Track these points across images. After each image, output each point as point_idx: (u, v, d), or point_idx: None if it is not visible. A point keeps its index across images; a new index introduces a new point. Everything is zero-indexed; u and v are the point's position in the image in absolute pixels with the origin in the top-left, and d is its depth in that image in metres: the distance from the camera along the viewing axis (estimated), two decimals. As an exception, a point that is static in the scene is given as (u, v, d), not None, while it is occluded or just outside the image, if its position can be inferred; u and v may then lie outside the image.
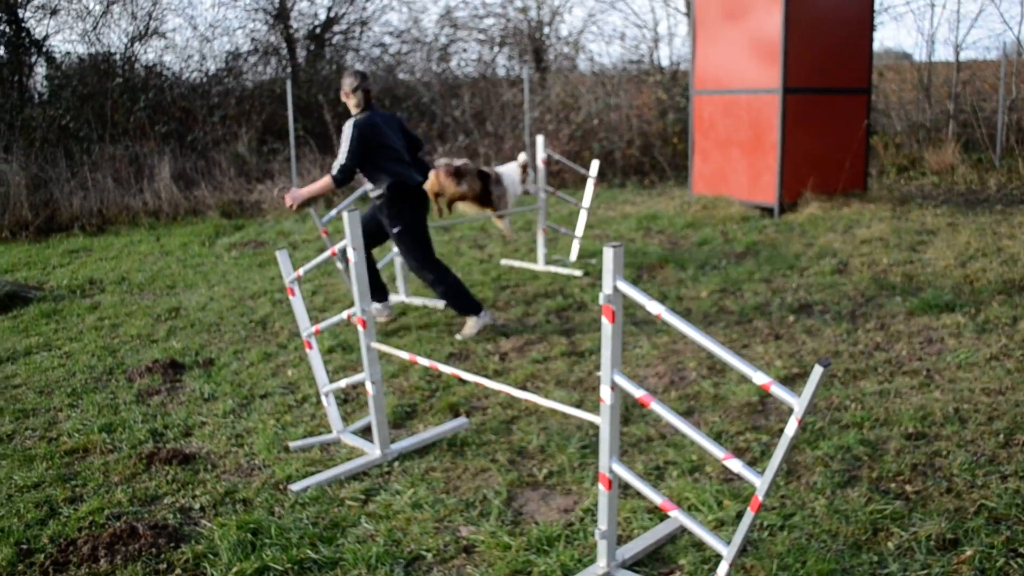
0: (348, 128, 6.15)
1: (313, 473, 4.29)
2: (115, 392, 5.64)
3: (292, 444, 4.61)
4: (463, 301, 6.41)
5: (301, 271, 4.72)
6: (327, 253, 4.51)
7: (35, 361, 6.41)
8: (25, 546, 3.74)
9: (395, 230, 6.34)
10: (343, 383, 4.65)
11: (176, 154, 14.65)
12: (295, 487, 4.12)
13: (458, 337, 6.38)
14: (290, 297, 4.95)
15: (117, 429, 4.99)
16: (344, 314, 4.48)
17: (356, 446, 4.58)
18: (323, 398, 4.82)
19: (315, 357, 4.93)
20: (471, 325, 6.41)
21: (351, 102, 6.29)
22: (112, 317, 7.51)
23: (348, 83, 6.28)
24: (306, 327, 4.90)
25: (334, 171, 6.13)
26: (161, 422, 5.05)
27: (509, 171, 8.25)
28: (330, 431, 4.80)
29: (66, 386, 5.81)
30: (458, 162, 7.88)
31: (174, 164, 14.22)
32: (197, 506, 4.03)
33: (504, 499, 3.93)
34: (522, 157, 8.35)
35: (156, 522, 3.85)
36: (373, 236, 6.65)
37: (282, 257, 4.92)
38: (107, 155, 14.49)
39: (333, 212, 7.24)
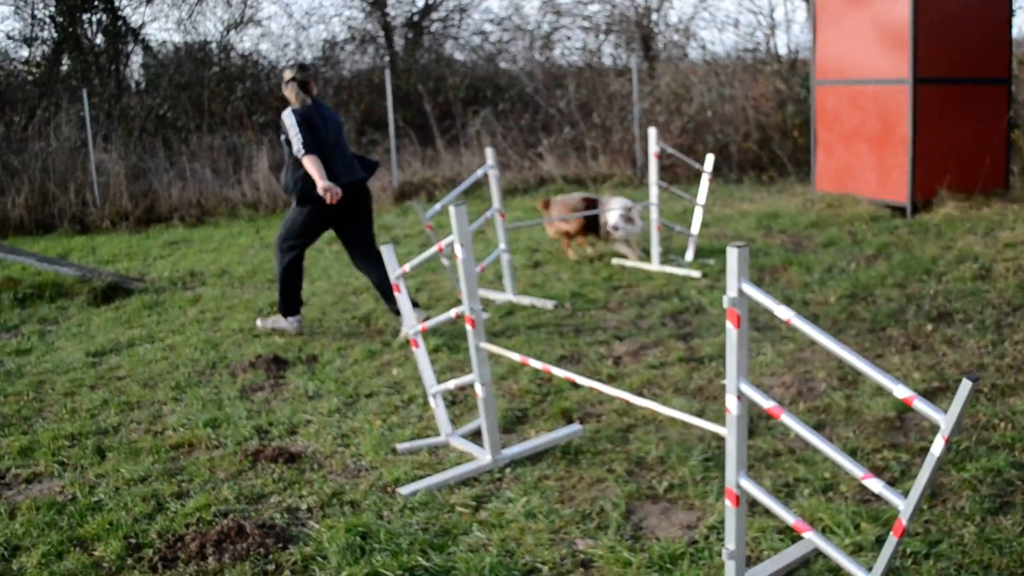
0: (287, 115, 6.53)
1: (422, 477, 4.32)
2: (218, 387, 5.78)
3: (400, 446, 4.66)
4: (288, 299, 6.83)
5: (407, 267, 4.76)
6: (433, 249, 4.54)
7: (138, 353, 6.62)
8: (134, 540, 3.86)
9: (295, 203, 6.69)
10: (451, 384, 4.68)
11: (274, 144, 14.96)
12: (404, 491, 4.15)
13: (258, 322, 7.03)
14: (395, 294, 5.00)
15: (222, 425, 5.11)
16: (452, 312, 4.50)
17: (465, 450, 4.60)
18: (431, 399, 4.86)
19: (422, 356, 4.97)
20: (280, 321, 6.90)
21: (290, 94, 6.62)
22: (214, 310, 7.72)
23: (286, 75, 6.65)
24: (412, 325, 4.95)
25: (300, 152, 6.43)
26: (266, 419, 5.16)
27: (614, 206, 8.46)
28: (438, 434, 4.83)
29: (170, 379, 5.98)
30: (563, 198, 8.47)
31: (272, 155, 14.53)
32: (304, 507, 4.10)
33: (623, 512, 3.90)
34: (623, 204, 8.48)
35: (264, 521, 3.93)
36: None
37: (387, 252, 4.97)
38: (205, 145, 14.90)
39: (437, 207, 7.29)
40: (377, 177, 14.02)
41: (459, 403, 5.30)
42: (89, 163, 13.77)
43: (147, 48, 18.01)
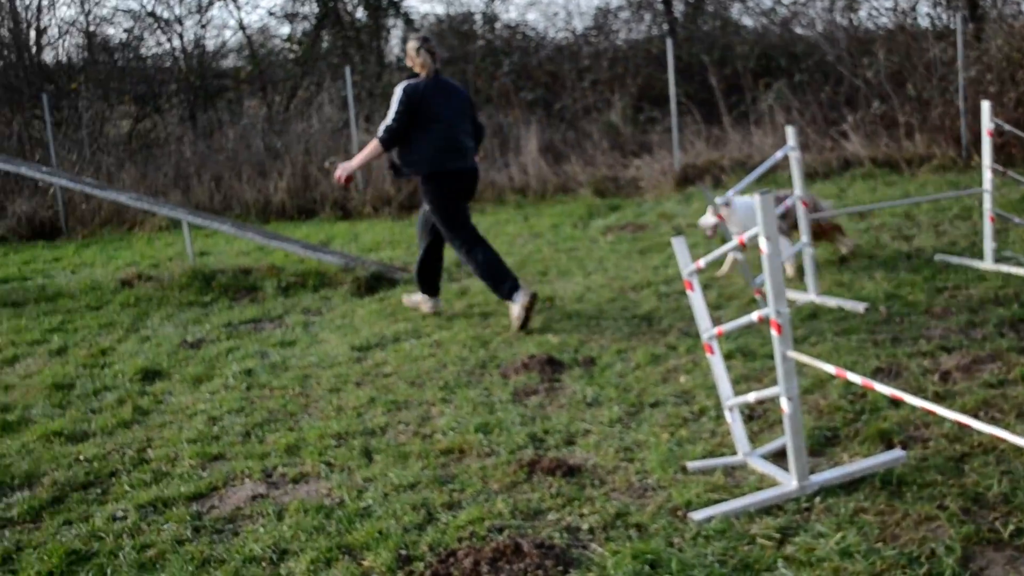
0: (397, 91, 7.23)
1: (716, 501, 4.23)
2: (489, 389, 5.92)
3: (691, 464, 4.59)
4: (428, 280, 7.71)
5: (702, 262, 4.67)
6: (732, 243, 4.42)
7: (404, 349, 6.89)
8: (404, 552, 4.00)
9: (421, 185, 7.37)
10: (751, 397, 4.56)
11: (543, 124, 15.23)
12: (696, 516, 4.08)
13: (404, 298, 7.98)
14: (688, 292, 4.93)
15: (494, 430, 5.22)
16: (754, 315, 4.38)
17: (767, 473, 4.46)
18: (726, 413, 4.75)
19: (717, 363, 4.87)
20: (423, 301, 7.77)
21: (417, 62, 7.36)
22: (482, 304, 7.93)
23: (411, 46, 7.41)
24: (707, 328, 4.86)
25: (380, 133, 7.18)
26: (541, 426, 5.22)
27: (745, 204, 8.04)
28: (734, 452, 4.72)
29: (438, 378, 6.18)
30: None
31: (541, 135, 14.79)
32: (585, 526, 4.11)
33: (958, 558, 3.65)
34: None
35: (542, 540, 3.97)
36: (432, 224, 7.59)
37: (679, 245, 4.91)
38: (470, 125, 15.34)
39: (730, 193, 7.14)
40: (656, 160, 13.98)
41: (757, 418, 5.17)
42: (351, 145, 14.52)
43: (408, 21, 18.79)
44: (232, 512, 4.54)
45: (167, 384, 6.56)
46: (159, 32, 19.41)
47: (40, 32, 19.40)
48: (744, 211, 7.98)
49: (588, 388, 5.76)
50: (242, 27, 19.72)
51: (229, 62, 19.91)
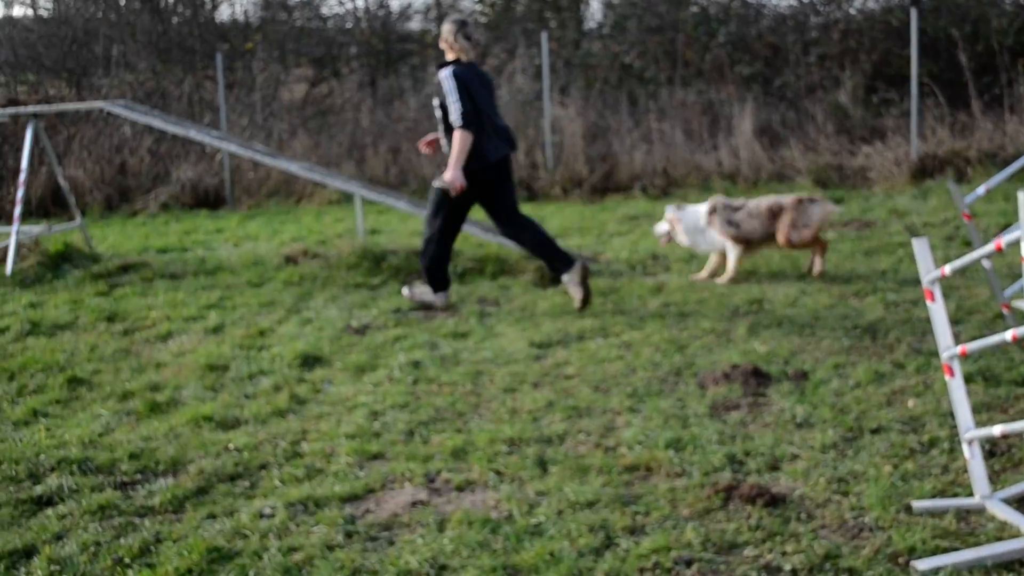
0: (446, 78, 7.72)
1: (946, 549, 4.02)
2: (683, 399, 5.80)
3: (916, 504, 4.38)
4: (438, 274, 8.11)
5: (947, 268, 4.44)
6: (988, 248, 4.18)
7: (589, 348, 6.83)
8: (577, 578, 3.93)
9: (437, 183, 7.88)
10: (996, 430, 4.29)
11: (760, 102, 14.95)
12: (921, 565, 3.88)
13: (404, 291, 8.35)
14: (927, 302, 4.70)
15: (687, 447, 5.10)
16: (1008, 334, 4.12)
17: (1009, 520, 4.21)
18: (964, 446, 4.51)
19: (957, 388, 4.62)
20: (428, 294, 8.15)
21: (455, 47, 7.85)
22: (679, 304, 7.80)
23: (448, 29, 7.85)
24: (947, 345, 4.61)
25: (458, 123, 7.64)
26: (741, 447, 5.08)
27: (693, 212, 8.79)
28: (970, 493, 4.49)
29: (625, 384, 6.10)
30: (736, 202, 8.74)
31: (757, 115, 14.53)
32: (788, 567, 3.96)
33: None
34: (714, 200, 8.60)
35: (736, 579, 3.85)
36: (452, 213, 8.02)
37: (921, 248, 4.69)
38: (676, 101, 15.21)
39: (980, 190, 6.82)
40: (890, 147, 13.53)
41: (1000, 455, 4.90)
42: (543, 119, 14.57)
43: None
44: (389, 518, 4.56)
45: (327, 372, 6.67)
46: (342, -10, 19.92)
47: (217, -13, 20.22)
48: (688, 220, 8.76)
49: (798, 406, 5.57)
50: (431, -14, 20.06)
51: (415, 25, 20.26)
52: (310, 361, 6.89)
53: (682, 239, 8.73)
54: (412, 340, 7.24)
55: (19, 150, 12.12)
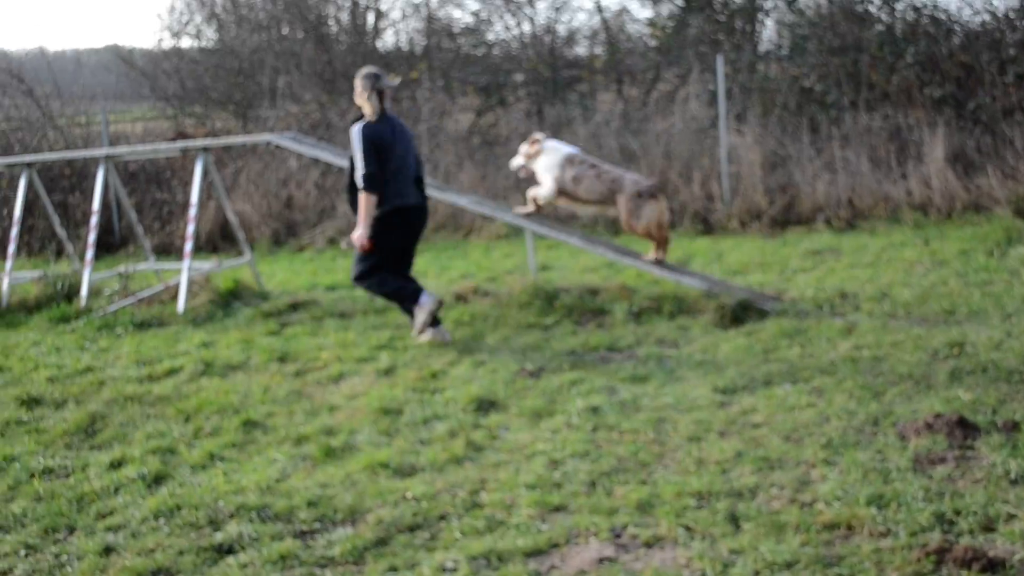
0: (355, 136, 8.40)
1: None
2: (883, 451, 5.64)
3: None
4: (405, 301, 8.64)
5: None
6: None
7: (777, 395, 6.71)
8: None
9: (344, 245, 8.54)
10: None
11: (952, 127, 14.54)
12: None
13: (413, 337, 8.70)
14: None
15: (890, 504, 4.96)
16: None
17: None
18: None
19: None
20: (420, 314, 8.51)
21: (365, 107, 8.46)
22: (872, 346, 7.61)
23: (359, 85, 8.43)
24: None
25: (360, 184, 8.36)
26: (950, 505, 4.91)
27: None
28: None
29: (819, 434, 5.97)
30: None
31: (949, 141, 14.14)
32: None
33: None
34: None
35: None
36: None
37: None
38: (860, 127, 14.90)
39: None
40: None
41: None
42: (719, 148, 14.44)
43: (791, 2, 18.45)
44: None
45: (503, 417, 6.70)
46: (508, 15, 20.11)
47: (379, 15, 20.61)
48: (548, 152, 9.58)
49: (1011, 461, 5.36)
50: (599, 9, 20.13)
51: (582, 49, 20.33)
52: (485, 405, 6.93)
53: (539, 171, 9.68)
54: (589, 384, 7.22)
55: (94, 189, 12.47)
